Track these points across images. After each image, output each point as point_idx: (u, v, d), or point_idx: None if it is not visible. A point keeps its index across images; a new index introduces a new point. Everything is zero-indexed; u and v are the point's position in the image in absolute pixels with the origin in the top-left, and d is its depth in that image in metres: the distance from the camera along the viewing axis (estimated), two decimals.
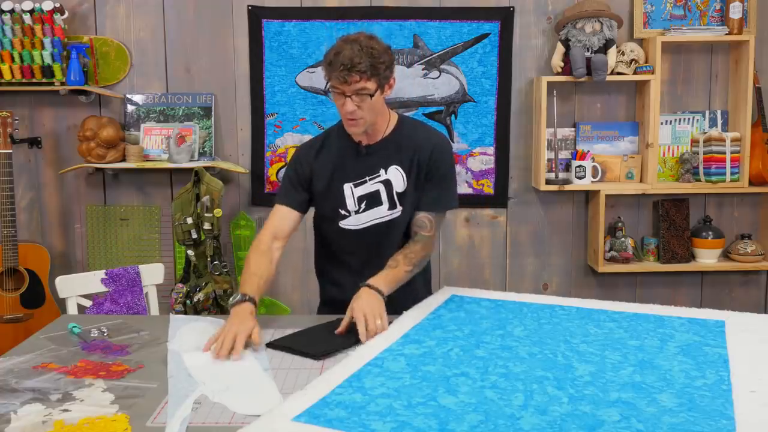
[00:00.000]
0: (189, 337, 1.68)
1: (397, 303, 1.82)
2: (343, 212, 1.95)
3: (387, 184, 1.93)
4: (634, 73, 3.06)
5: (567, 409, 1.22)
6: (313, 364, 1.53)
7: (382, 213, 1.94)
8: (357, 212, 1.95)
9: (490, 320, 1.75)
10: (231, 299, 1.75)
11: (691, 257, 3.20)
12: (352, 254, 2.01)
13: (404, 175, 1.93)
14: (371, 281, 1.79)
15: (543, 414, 1.20)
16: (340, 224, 1.97)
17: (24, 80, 3.04)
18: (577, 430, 1.14)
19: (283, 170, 2.04)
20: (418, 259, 1.91)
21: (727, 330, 1.68)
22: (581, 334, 1.65)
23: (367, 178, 1.93)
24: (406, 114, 3.18)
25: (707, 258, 3.19)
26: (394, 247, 1.94)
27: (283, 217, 1.95)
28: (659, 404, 1.25)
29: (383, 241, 1.96)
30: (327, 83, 1.85)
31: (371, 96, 1.79)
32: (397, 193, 1.93)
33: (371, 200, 1.94)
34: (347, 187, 1.94)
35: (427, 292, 2.08)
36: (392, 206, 1.94)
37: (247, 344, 1.62)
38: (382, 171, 1.93)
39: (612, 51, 3.01)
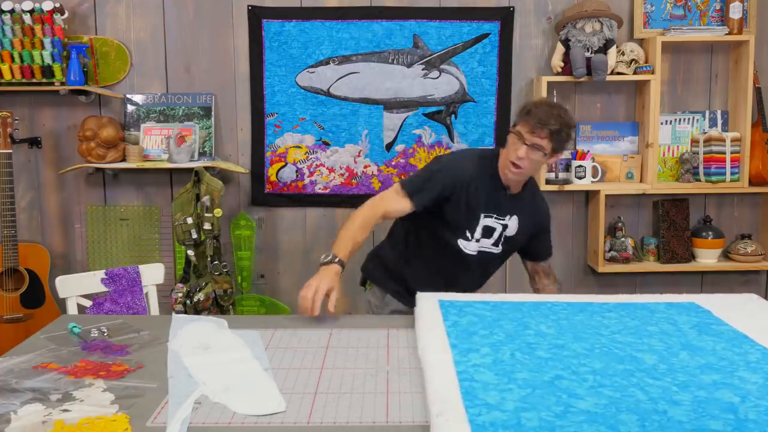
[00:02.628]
0: (190, 336, 1.68)
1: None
2: (468, 234, 2.14)
3: (504, 227, 2.17)
4: (634, 73, 3.06)
5: (691, 397, 1.27)
6: (314, 363, 1.53)
7: (487, 245, 2.18)
8: (477, 240, 2.15)
9: (506, 321, 1.74)
10: (321, 257, 1.90)
11: (691, 257, 3.20)
12: (447, 268, 2.19)
13: (518, 226, 2.18)
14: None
15: (678, 405, 1.24)
16: (458, 241, 2.15)
17: (24, 80, 3.04)
18: (721, 412, 1.21)
19: (421, 166, 2.31)
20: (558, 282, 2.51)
21: (712, 310, 1.83)
22: (598, 326, 1.70)
23: (495, 215, 2.14)
24: (406, 115, 3.20)
25: (707, 258, 3.19)
26: (476, 272, 2.25)
27: (401, 208, 2.07)
28: (752, 381, 1.35)
29: (479, 267, 2.22)
30: (514, 126, 2.05)
31: (544, 155, 2.01)
32: (505, 237, 2.18)
33: (486, 232, 2.16)
34: (482, 217, 2.13)
35: None
36: (496, 244, 2.18)
37: (249, 344, 1.62)
38: (507, 216, 2.16)
39: (612, 51, 3.01)
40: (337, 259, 1.89)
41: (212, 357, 1.55)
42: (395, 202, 2.07)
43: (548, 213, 2.35)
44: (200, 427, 1.23)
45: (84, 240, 3.27)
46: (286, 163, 3.24)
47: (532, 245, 2.30)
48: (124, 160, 3.11)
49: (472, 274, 2.24)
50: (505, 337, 1.61)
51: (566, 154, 3.18)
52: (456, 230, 2.14)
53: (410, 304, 2.17)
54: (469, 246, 2.16)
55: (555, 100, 3.11)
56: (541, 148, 1.99)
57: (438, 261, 2.20)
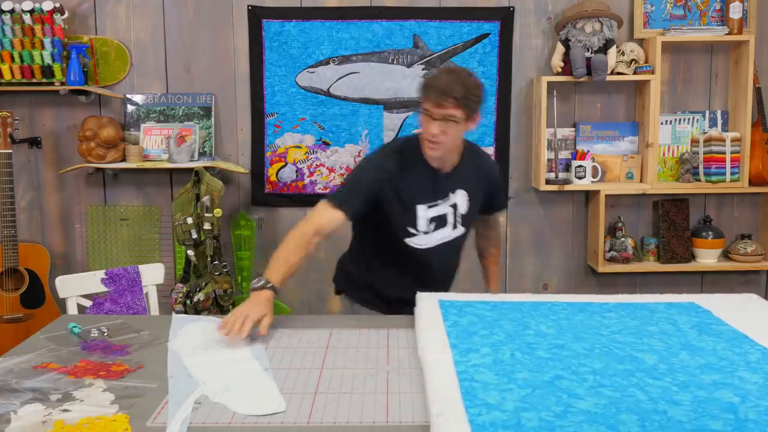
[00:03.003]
0: (190, 336, 1.68)
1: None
2: (412, 231, 2.04)
3: (454, 207, 2.07)
4: (634, 73, 3.06)
5: (691, 397, 1.28)
6: (314, 363, 1.53)
7: (446, 233, 2.08)
8: (426, 233, 2.05)
9: (506, 321, 1.74)
10: (253, 281, 1.80)
11: (691, 257, 3.20)
12: (408, 269, 2.10)
13: (468, 198, 2.08)
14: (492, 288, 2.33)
15: (678, 405, 1.24)
16: (405, 241, 2.05)
17: (24, 80, 3.04)
18: (721, 412, 1.21)
19: (350, 173, 2.10)
20: (499, 239, 2.44)
21: (712, 310, 1.83)
22: (598, 326, 1.70)
23: (439, 201, 2.04)
24: (406, 115, 3.20)
25: (707, 258, 3.19)
26: (448, 265, 2.17)
27: (332, 219, 1.95)
28: (752, 381, 1.35)
29: (442, 259, 2.12)
30: (419, 105, 1.96)
31: (457, 123, 1.90)
32: (461, 215, 2.08)
33: (439, 222, 2.06)
34: (421, 209, 2.03)
35: None
36: (455, 227, 2.09)
37: (252, 337, 1.63)
38: (451, 195, 2.06)
39: (612, 51, 3.01)
40: (269, 285, 1.79)
41: (212, 357, 1.55)
42: (326, 216, 1.96)
43: (495, 167, 2.25)
44: (200, 427, 1.23)
45: (84, 240, 3.27)
46: (286, 163, 3.24)
47: (483, 204, 2.20)
48: (124, 160, 3.11)
49: (437, 266, 2.11)
50: (505, 337, 1.62)
51: (566, 154, 3.19)
52: (399, 229, 2.04)
53: (382, 310, 2.13)
54: (419, 241, 2.05)
55: (555, 100, 3.11)
56: (453, 118, 1.88)
57: (396, 263, 2.11)
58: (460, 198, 2.07)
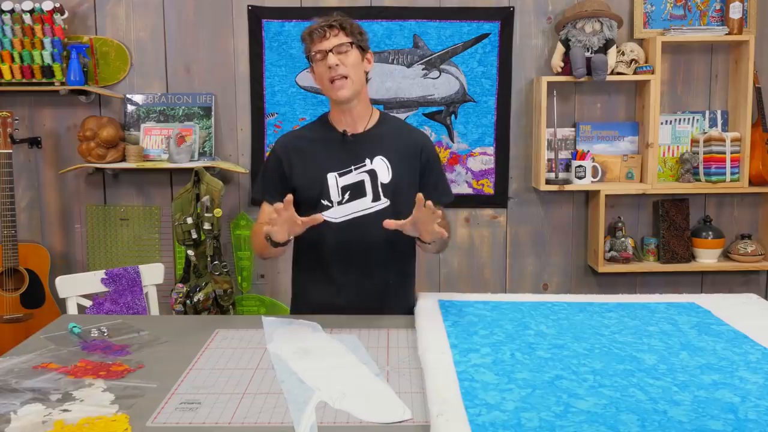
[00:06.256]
0: (288, 340, 1.66)
1: (389, 308, 1.90)
2: (325, 203, 1.90)
3: (372, 174, 1.91)
4: (634, 73, 3.06)
5: (691, 397, 1.28)
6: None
7: (365, 205, 1.91)
8: (340, 203, 1.90)
9: (506, 321, 1.75)
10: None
11: (691, 257, 3.20)
12: (332, 255, 1.94)
13: (389, 166, 1.92)
14: None
15: (678, 405, 1.25)
16: (322, 214, 1.86)
17: (24, 80, 3.04)
18: (721, 412, 1.22)
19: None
20: (447, 229, 1.92)
21: (711, 310, 1.84)
22: (598, 326, 1.70)
23: (353, 167, 1.91)
24: (406, 115, 3.20)
25: (707, 258, 3.19)
26: (379, 246, 1.91)
27: (271, 213, 1.88)
28: (752, 381, 1.36)
29: (367, 237, 1.90)
30: (309, 55, 1.89)
31: (351, 45, 1.85)
32: (382, 184, 1.91)
33: (355, 191, 1.91)
34: (331, 177, 1.90)
35: (413, 298, 2.02)
36: (376, 198, 1.91)
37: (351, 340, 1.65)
38: (367, 160, 1.91)
39: (612, 51, 3.01)
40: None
41: (319, 362, 1.53)
42: (263, 216, 1.94)
43: (430, 143, 2.03)
44: (200, 427, 1.23)
45: (84, 240, 3.27)
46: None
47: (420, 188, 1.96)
48: (124, 160, 3.11)
49: (362, 250, 1.91)
50: (505, 337, 1.62)
51: (566, 154, 3.19)
52: (313, 206, 1.90)
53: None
54: (333, 214, 1.90)
55: (555, 100, 3.11)
56: (343, 46, 1.83)
57: (317, 249, 1.95)
58: (380, 164, 1.91)
